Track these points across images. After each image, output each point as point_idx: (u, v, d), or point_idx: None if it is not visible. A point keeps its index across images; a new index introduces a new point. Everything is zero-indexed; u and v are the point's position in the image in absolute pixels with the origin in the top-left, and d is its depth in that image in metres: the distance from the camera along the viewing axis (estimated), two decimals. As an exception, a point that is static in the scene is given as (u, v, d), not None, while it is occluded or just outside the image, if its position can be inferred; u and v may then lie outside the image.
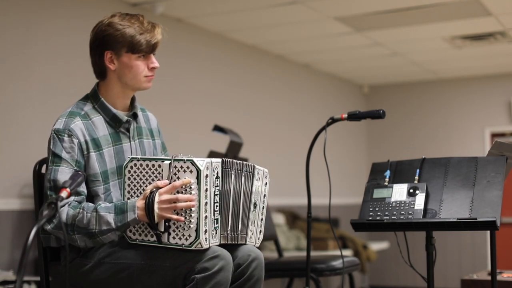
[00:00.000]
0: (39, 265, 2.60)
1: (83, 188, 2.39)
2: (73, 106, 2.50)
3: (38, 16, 4.09)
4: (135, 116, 2.57)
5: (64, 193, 2.09)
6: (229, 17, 5.15)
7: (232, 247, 2.43)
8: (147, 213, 2.25)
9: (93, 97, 2.51)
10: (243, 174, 2.44)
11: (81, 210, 2.31)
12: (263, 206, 2.55)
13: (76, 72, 4.24)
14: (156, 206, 2.25)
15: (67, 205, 2.33)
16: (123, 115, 2.50)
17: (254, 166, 2.49)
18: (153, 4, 4.70)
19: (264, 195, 2.55)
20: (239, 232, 2.43)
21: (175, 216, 2.24)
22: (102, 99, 2.48)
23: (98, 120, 2.46)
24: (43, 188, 2.60)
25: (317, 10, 4.97)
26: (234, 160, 2.40)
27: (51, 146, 2.39)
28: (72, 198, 2.35)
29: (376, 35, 5.75)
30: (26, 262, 1.99)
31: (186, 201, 2.24)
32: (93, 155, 2.40)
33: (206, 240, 2.25)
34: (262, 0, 4.74)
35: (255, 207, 2.50)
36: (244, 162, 2.46)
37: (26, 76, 3.98)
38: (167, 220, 2.27)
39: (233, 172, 2.39)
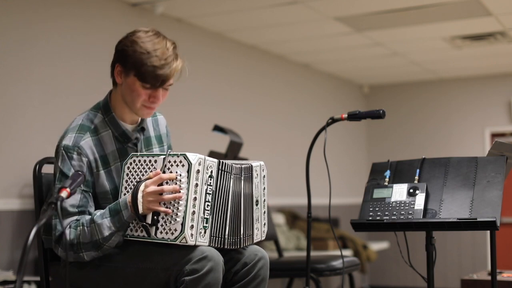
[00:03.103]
0: (39, 265, 2.60)
1: (91, 209, 2.37)
2: (83, 116, 2.46)
3: (39, 16, 4.09)
4: (143, 129, 2.54)
5: (64, 193, 2.08)
6: (229, 17, 5.15)
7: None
8: (133, 203, 2.24)
9: (104, 109, 2.47)
10: (242, 178, 2.42)
11: (81, 227, 2.30)
12: (264, 199, 2.54)
13: (77, 72, 4.24)
14: (139, 195, 2.23)
15: (68, 227, 2.31)
16: (132, 133, 2.48)
17: (251, 166, 2.47)
18: (153, 4, 4.70)
19: (264, 188, 2.54)
20: (241, 236, 2.41)
21: (162, 208, 2.23)
22: (113, 114, 2.45)
23: (107, 136, 2.44)
24: (43, 188, 2.60)
25: (317, 10, 4.97)
26: (233, 165, 2.38)
27: (60, 164, 2.36)
28: (74, 217, 2.33)
29: (376, 35, 5.75)
30: (26, 262, 1.99)
31: (172, 192, 2.21)
32: (102, 173, 2.39)
33: (192, 236, 2.22)
34: (262, 0, 4.74)
35: (257, 204, 2.49)
36: (243, 165, 2.43)
37: (27, 76, 3.98)
38: (156, 214, 2.25)
39: (232, 177, 2.37)
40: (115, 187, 2.41)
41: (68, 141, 2.37)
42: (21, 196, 3.89)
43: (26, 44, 3.99)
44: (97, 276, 2.39)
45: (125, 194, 2.34)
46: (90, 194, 2.37)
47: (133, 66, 2.33)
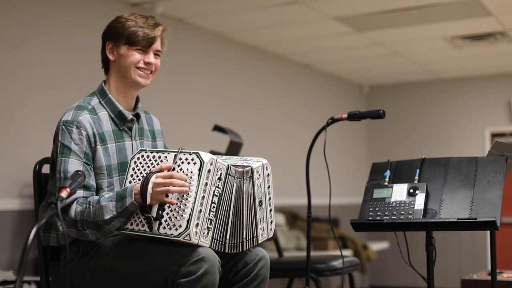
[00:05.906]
0: (39, 265, 2.61)
1: (92, 182, 2.41)
2: (80, 101, 2.54)
3: (38, 15, 4.09)
4: (137, 117, 2.58)
5: (64, 193, 2.09)
6: (229, 17, 5.15)
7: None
8: (141, 192, 2.25)
9: (100, 93, 2.55)
10: (244, 181, 2.41)
11: (87, 205, 2.33)
12: (270, 197, 2.51)
13: (77, 71, 4.24)
14: (150, 185, 2.24)
15: (75, 202, 2.34)
16: (128, 113, 2.53)
17: (251, 168, 2.43)
18: (153, 4, 4.70)
19: (269, 186, 2.51)
20: (243, 240, 2.40)
21: (168, 199, 2.23)
22: (110, 95, 2.52)
23: (104, 116, 2.50)
24: (43, 188, 2.61)
25: (317, 10, 4.97)
26: (237, 169, 2.38)
27: (60, 138, 2.42)
28: (80, 192, 2.36)
29: (376, 35, 5.75)
30: (26, 262, 1.99)
31: (179, 186, 2.22)
32: (100, 148, 2.43)
33: (196, 234, 2.22)
34: (262, 0, 4.74)
35: (260, 204, 2.48)
36: (245, 168, 2.41)
37: (26, 75, 3.98)
38: (162, 208, 2.26)
39: (235, 181, 2.37)
40: (110, 165, 2.45)
41: (67, 117, 2.45)
42: (21, 196, 3.89)
43: (25, 44, 3.99)
44: (97, 277, 2.40)
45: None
46: (92, 167, 2.42)
47: (123, 34, 2.49)
